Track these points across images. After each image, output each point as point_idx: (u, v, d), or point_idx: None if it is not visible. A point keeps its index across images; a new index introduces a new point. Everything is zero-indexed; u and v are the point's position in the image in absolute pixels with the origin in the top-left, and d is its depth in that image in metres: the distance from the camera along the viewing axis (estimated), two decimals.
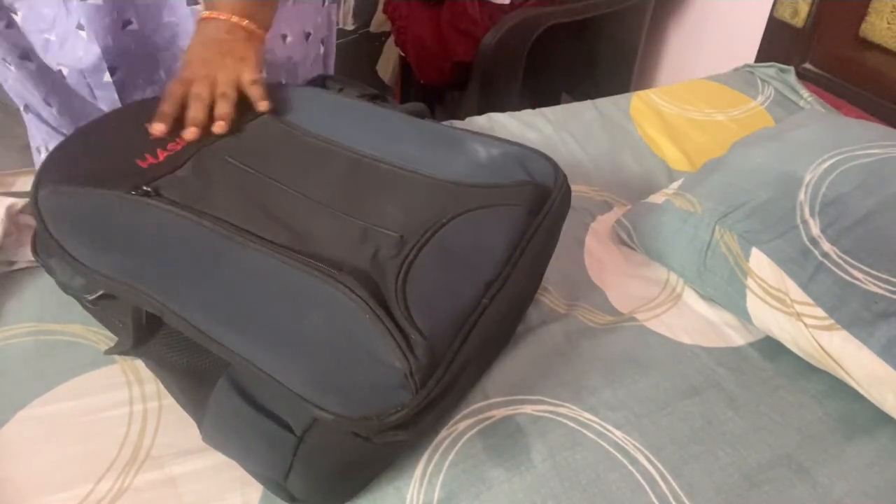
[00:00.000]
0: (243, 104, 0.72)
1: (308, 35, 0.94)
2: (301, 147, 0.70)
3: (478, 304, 0.55)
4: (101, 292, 0.59)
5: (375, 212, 0.63)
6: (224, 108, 0.69)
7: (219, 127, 0.68)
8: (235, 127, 0.70)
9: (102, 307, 0.62)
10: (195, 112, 0.68)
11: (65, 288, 0.63)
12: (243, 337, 0.51)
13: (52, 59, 0.80)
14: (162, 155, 0.65)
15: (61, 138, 0.82)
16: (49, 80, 0.84)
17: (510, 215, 0.63)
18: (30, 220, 0.77)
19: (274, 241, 0.56)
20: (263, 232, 0.57)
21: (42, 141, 0.91)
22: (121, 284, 0.54)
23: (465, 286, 0.57)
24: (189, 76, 0.70)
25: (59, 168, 0.63)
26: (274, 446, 0.52)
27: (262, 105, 0.72)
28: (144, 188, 0.60)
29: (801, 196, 0.75)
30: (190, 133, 0.67)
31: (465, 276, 0.57)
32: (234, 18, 0.72)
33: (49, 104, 0.86)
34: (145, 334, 0.57)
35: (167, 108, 0.68)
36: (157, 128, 0.67)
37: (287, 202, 0.63)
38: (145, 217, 0.58)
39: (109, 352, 0.59)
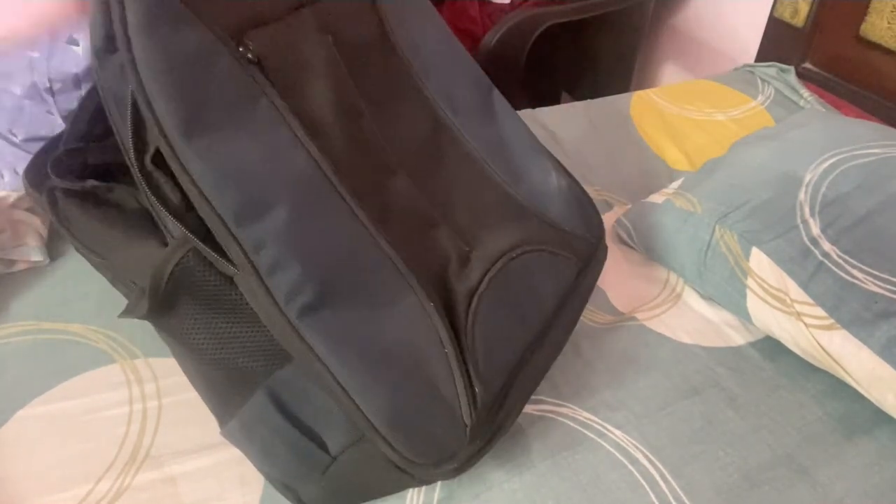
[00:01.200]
0: None
1: None
2: (395, 67, 0.59)
3: (521, 357, 0.54)
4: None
5: (446, 199, 0.56)
6: None
7: None
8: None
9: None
10: None
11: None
12: (328, 339, 0.45)
13: None
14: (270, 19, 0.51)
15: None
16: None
17: (565, 267, 0.61)
18: (24, 216, 0.77)
19: (369, 214, 0.48)
20: (360, 190, 0.49)
21: (9, 164, 0.80)
22: (199, 197, 0.44)
23: (518, 336, 0.55)
24: None
25: None
26: (304, 462, 0.51)
27: None
28: (248, 54, 0.47)
29: (802, 196, 0.75)
30: None
31: (519, 324, 0.55)
32: None
33: (14, 134, 0.79)
34: (163, 301, 0.48)
35: None
36: None
37: (375, 144, 0.54)
38: (253, 113, 0.46)
39: (125, 315, 0.50)
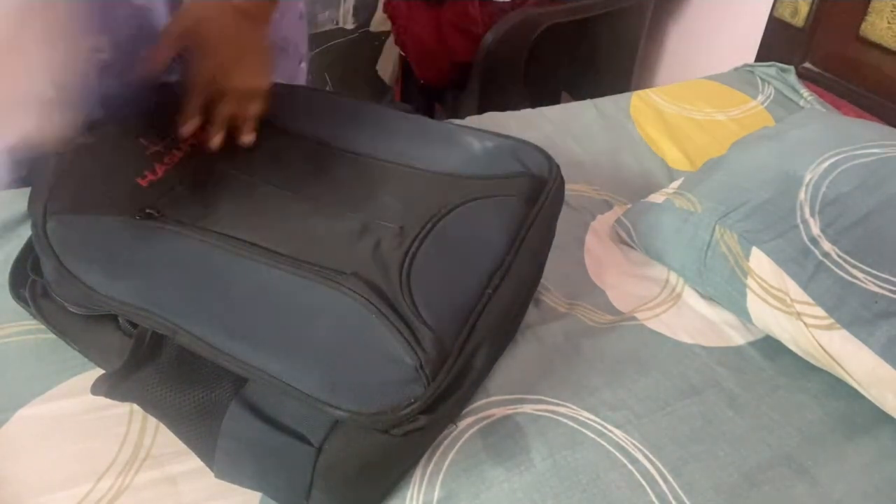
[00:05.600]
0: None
1: (301, 14, 0.91)
2: (295, 149, 0.70)
3: (482, 295, 0.57)
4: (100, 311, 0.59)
5: (374, 206, 0.63)
6: (249, 133, 0.69)
7: (248, 139, 0.69)
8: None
9: (94, 331, 0.62)
10: (218, 131, 0.68)
11: (56, 320, 0.64)
12: (256, 349, 0.52)
13: None
14: (160, 170, 0.66)
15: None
16: None
17: (508, 206, 0.64)
18: None
19: (278, 252, 0.57)
20: (267, 242, 0.58)
21: None
22: (135, 310, 0.55)
23: (468, 277, 0.58)
24: (208, 72, 0.67)
25: (62, 196, 0.62)
26: (292, 463, 0.52)
27: (247, 138, 0.70)
28: (148, 210, 0.61)
29: (802, 195, 0.75)
30: (216, 143, 0.67)
31: (467, 266, 0.58)
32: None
33: None
34: (143, 356, 0.57)
35: (191, 111, 0.67)
36: (189, 129, 0.67)
37: (286, 206, 0.63)
38: (153, 241, 0.59)
39: (96, 390, 0.58)
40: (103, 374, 0.58)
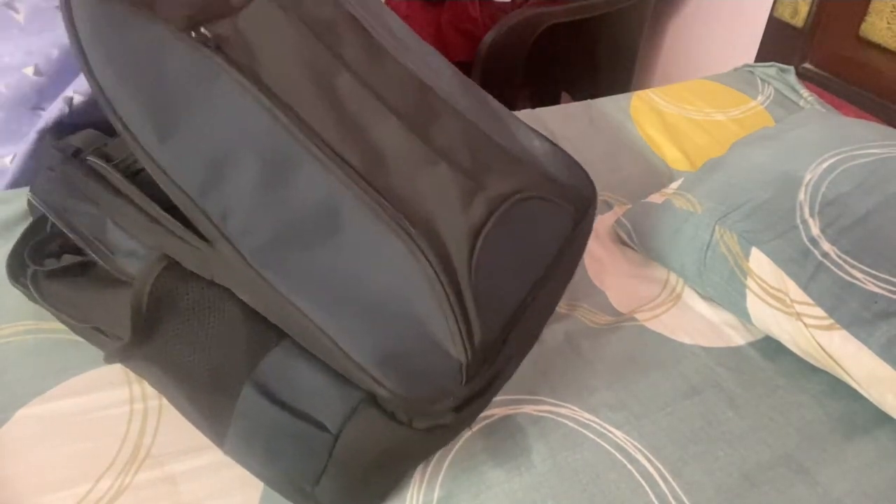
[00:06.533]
0: None
1: None
2: (367, 40, 0.60)
3: (522, 302, 0.54)
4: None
5: (447, 143, 0.56)
6: None
7: None
8: None
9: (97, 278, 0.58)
10: None
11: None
12: (315, 303, 0.48)
13: None
14: None
15: None
16: None
17: (564, 216, 0.61)
18: None
19: (350, 164, 0.50)
20: (337, 141, 0.50)
21: None
22: (167, 178, 0.47)
23: (521, 279, 0.55)
24: None
25: None
26: (308, 449, 0.51)
27: None
28: (203, 30, 0.50)
29: (801, 196, 0.75)
30: None
31: (524, 267, 0.56)
32: None
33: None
34: (144, 326, 0.53)
35: None
36: None
37: (357, 97, 0.55)
38: (213, 93, 0.49)
39: (109, 358, 0.56)
40: (115, 347, 0.55)
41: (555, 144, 0.68)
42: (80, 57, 0.47)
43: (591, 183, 0.68)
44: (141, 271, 0.53)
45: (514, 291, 0.54)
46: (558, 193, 0.60)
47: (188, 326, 0.53)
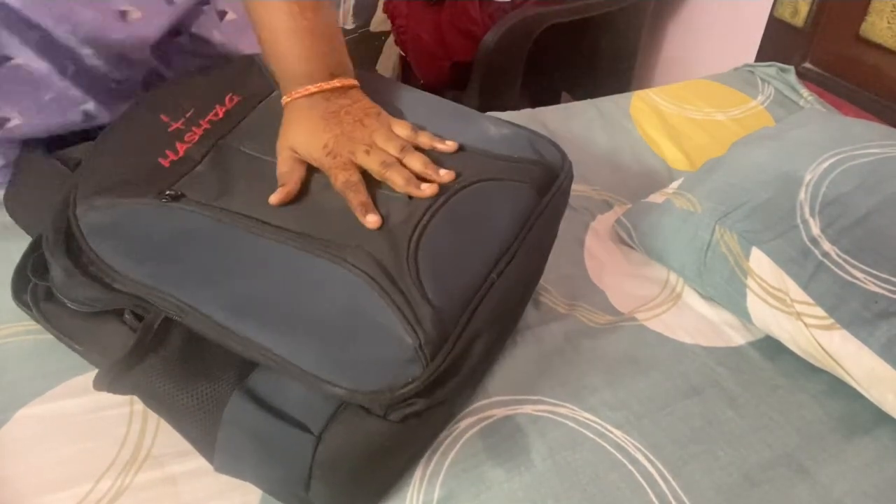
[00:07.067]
0: (250, 94, 0.72)
1: None
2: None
3: (486, 279, 0.56)
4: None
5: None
6: (418, 163, 0.61)
7: (431, 189, 0.59)
8: (244, 114, 0.71)
9: (96, 324, 0.62)
10: (405, 179, 0.59)
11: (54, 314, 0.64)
12: (261, 327, 0.52)
13: None
14: (181, 149, 0.66)
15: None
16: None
17: (520, 192, 0.63)
18: None
19: (287, 229, 0.57)
20: (279, 219, 0.58)
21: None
22: (152, 291, 0.55)
23: (475, 259, 0.57)
24: (344, 160, 0.61)
25: (90, 180, 0.63)
26: (292, 451, 0.52)
27: (451, 145, 0.64)
28: (169, 192, 0.61)
29: (802, 195, 0.75)
30: (430, 189, 0.59)
31: (476, 248, 0.58)
32: (326, 84, 0.64)
33: None
34: (149, 346, 0.56)
35: (362, 198, 0.58)
36: (372, 220, 0.56)
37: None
38: (173, 222, 0.59)
39: (98, 384, 0.57)
40: (107, 365, 0.57)
41: (520, 127, 0.71)
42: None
43: (561, 153, 0.69)
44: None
45: (467, 269, 0.56)
46: (510, 171, 0.64)
47: (179, 360, 0.57)
